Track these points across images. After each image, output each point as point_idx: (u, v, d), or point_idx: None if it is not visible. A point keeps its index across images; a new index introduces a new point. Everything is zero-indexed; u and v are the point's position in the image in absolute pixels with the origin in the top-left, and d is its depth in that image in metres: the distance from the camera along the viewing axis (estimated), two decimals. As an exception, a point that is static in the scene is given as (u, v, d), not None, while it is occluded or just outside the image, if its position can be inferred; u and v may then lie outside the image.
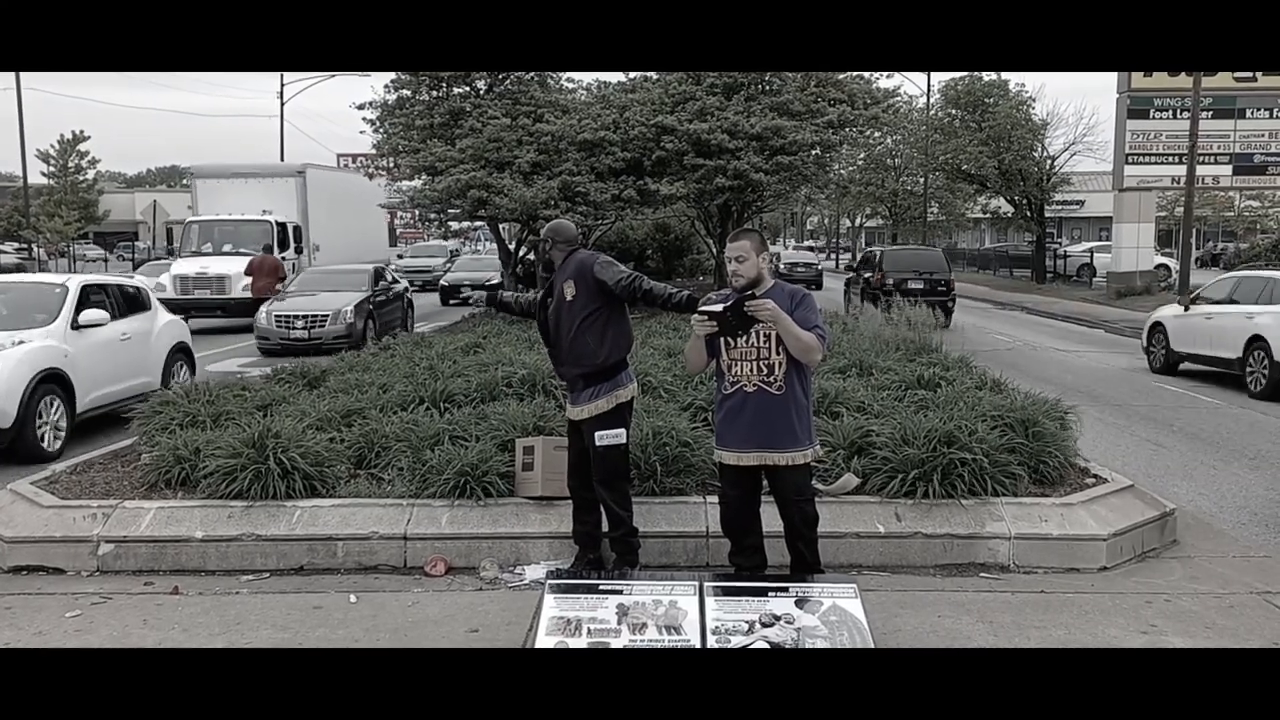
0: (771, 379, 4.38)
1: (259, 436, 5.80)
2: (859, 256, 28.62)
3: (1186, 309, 13.38)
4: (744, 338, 4.37)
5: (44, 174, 48.30)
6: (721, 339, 4.42)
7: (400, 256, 36.72)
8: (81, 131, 49.12)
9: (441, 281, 27.35)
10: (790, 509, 4.55)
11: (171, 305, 14.59)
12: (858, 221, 63.57)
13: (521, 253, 18.62)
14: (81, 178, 49.74)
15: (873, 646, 3.86)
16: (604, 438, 4.85)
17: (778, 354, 4.37)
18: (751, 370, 4.40)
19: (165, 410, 7.00)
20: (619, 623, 3.96)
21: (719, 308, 4.29)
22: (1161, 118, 25.90)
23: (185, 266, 19.57)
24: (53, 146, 48.73)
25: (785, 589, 4.14)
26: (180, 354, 10.48)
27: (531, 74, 16.69)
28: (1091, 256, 35.98)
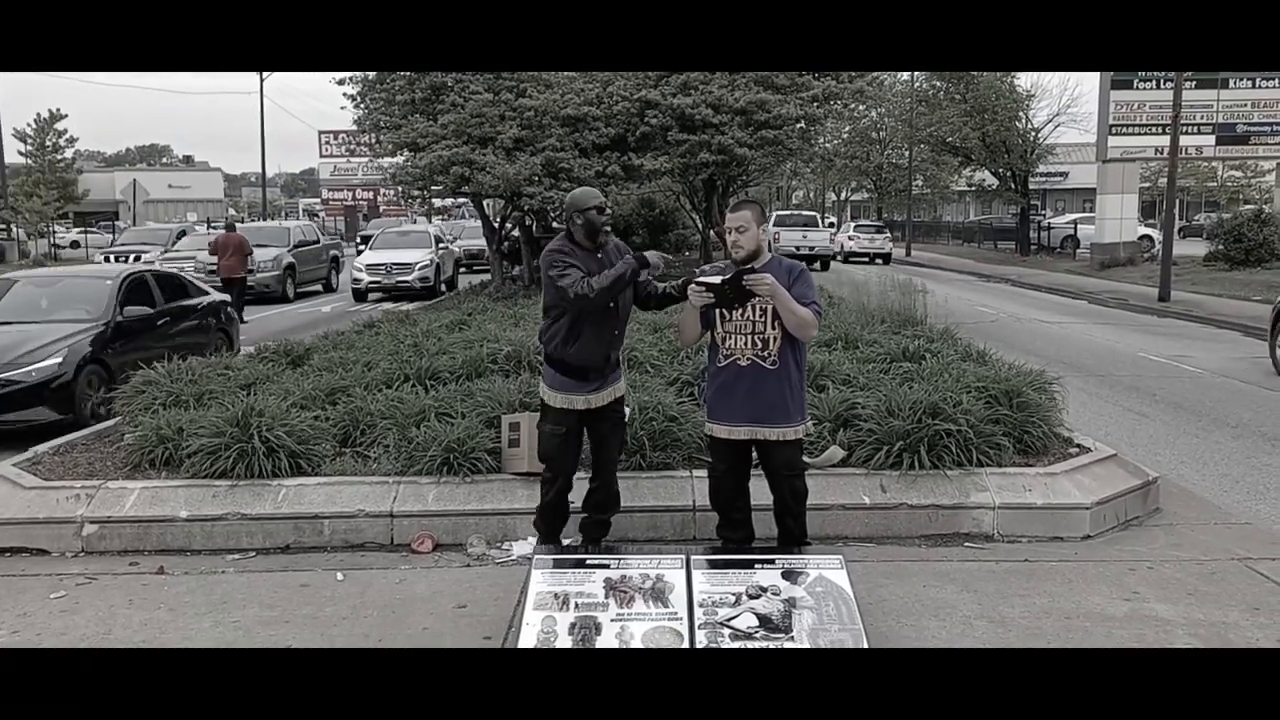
0: (766, 353, 4.37)
1: (243, 415, 5.77)
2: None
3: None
4: (739, 311, 4.36)
5: (21, 153, 47.69)
6: (716, 312, 4.40)
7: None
8: (59, 110, 48.54)
9: None
10: (781, 484, 4.56)
11: None
12: (843, 195, 63.55)
13: (507, 228, 18.50)
14: (59, 157, 49.16)
15: (859, 621, 3.88)
16: (625, 412, 5.00)
17: (773, 328, 4.35)
18: (746, 344, 4.39)
19: (148, 390, 6.95)
20: (606, 596, 3.97)
21: (717, 280, 4.26)
22: (1145, 88, 25.93)
23: None
24: (29, 125, 48.13)
25: (772, 561, 4.15)
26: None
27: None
28: (1075, 228, 36.11)
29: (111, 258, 25.50)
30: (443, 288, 21.70)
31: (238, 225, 19.29)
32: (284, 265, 20.85)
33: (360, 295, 20.82)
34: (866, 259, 33.55)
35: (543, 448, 4.90)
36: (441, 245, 23.05)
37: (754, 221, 4.40)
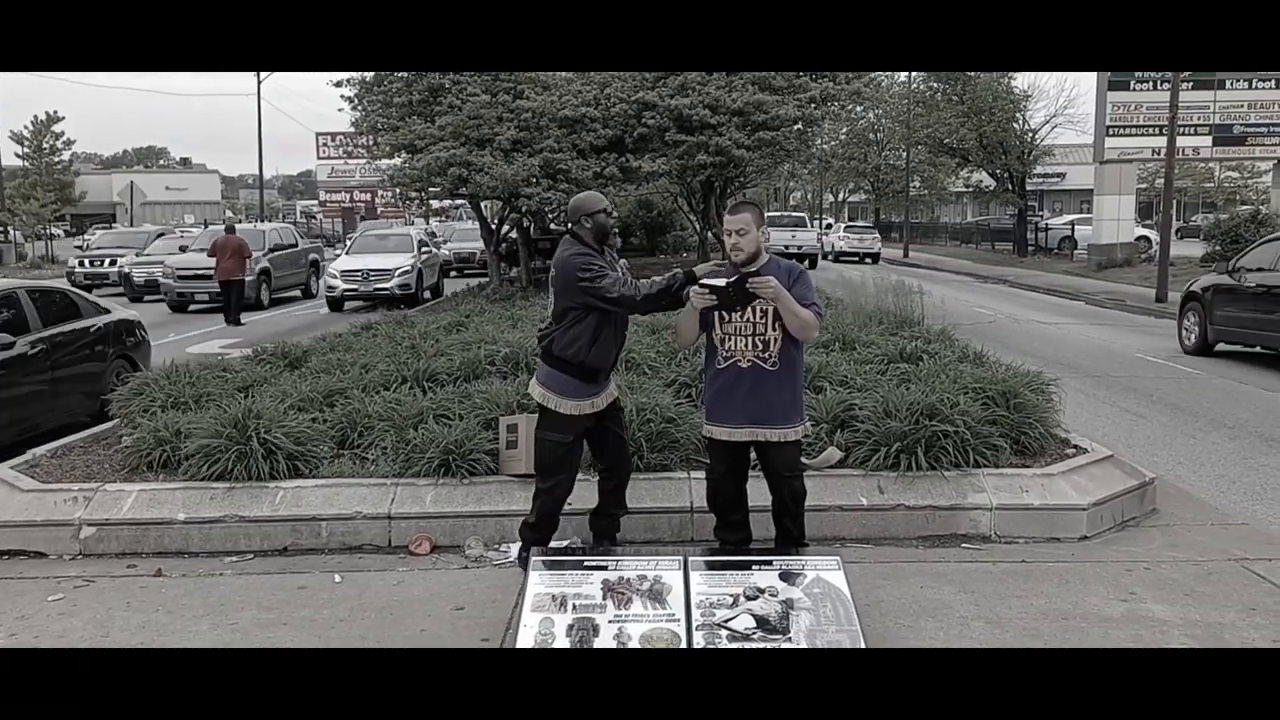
0: (766, 355, 4.38)
1: (241, 417, 5.77)
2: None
3: None
4: (739, 313, 4.37)
5: (18, 155, 47.64)
6: (716, 314, 4.41)
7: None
8: (55, 112, 48.46)
9: None
10: (780, 485, 4.57)
11: None
12: (840, 197, 63.62)
13: (505, 230, 18.49)
14: (57, 159, 49.13)
15: (856, 622, 3.89)
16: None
17: (773, 330, 4.36)
18: (746, 346, 4.39)
19: (146, 392, 6.94)
20: (604, 598, 3.97)
21: (721, 282, 4.27)
22: (1142, 89, 25.96)
23: None
24: (26, 127, 48.06)
25: (769, 562, 4.16)
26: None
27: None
28: (1072, 229, 36.17)
29: (86, 262, 25.44)
30: (426, 294, 20.36)
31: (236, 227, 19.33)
32: (258, 270, 20.10)
33: (335, 304, 19.32)
34: (856, 258, 35.48)
35: (545, 457, 4.73)
36: (425, 249, 21.91)
37: (754, 224, 4.41)
